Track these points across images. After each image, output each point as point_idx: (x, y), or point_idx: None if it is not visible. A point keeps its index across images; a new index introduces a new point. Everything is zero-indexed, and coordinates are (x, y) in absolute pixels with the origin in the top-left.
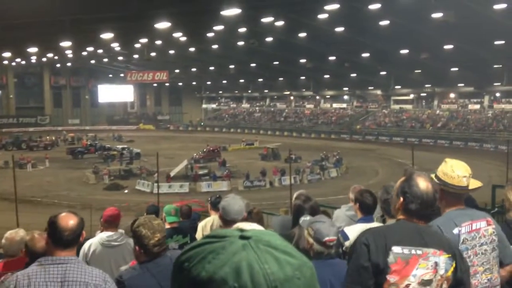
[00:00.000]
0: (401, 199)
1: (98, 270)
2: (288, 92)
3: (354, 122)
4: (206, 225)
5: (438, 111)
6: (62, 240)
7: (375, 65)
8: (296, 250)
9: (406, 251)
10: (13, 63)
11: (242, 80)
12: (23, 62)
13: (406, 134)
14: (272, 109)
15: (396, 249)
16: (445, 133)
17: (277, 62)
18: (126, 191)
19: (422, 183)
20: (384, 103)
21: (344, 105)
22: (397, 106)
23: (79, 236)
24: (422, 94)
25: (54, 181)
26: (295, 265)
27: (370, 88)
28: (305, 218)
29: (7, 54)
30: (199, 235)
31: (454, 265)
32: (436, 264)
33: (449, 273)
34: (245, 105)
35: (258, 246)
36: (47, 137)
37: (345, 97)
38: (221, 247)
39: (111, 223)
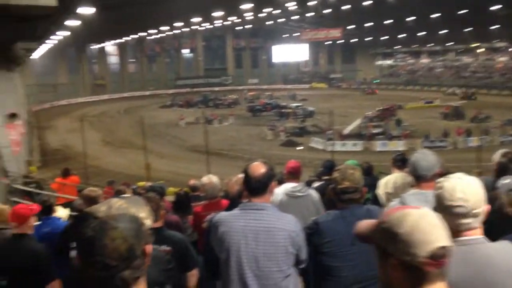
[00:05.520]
0: None
1: (292, 216)
2: (476, 44)
3: None
4: (388, 182)
5: None
6: (250, 187)
7: None
8: None
9: None
10: (201, 28)
11: (421, 33)
12: (210, 27)
13: None
14: (457, 63)
15: None
16: None
17: (464, 11)
18: (300, 148)
19: None
20: None
21: None
22: None
23: (265, 185)
24: None
25: (237, 136)
26: None
27: None
28: (504, 181)
29: (197, 20)
30: (380, 191)
31: None
32: None
33: None
34: (425, 60)
35: None
36: (230, 96)
37: None
38: None
39: (293, 174)
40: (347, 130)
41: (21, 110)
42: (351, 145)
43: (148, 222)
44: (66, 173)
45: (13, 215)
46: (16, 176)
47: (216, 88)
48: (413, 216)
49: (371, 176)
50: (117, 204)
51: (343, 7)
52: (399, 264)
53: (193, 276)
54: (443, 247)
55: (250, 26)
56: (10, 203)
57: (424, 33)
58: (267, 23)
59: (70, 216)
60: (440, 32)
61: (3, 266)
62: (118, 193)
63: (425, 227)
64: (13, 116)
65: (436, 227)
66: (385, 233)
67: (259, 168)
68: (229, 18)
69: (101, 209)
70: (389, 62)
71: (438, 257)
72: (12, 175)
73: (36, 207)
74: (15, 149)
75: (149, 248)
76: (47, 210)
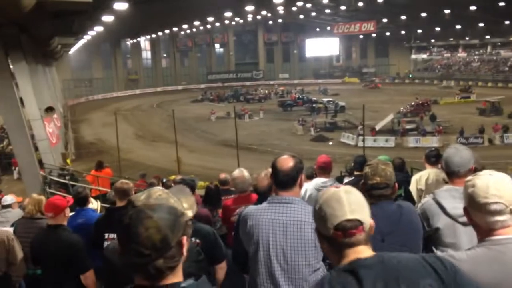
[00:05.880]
0: None
1: None
2: None
3: None
4: (421, 178)
5: None
6: (277, 181)
7: None
8: None
9: None
10: (233, 23)
11: (458, 26)
12: (241, 21)
13: None
14: (495, 57)
15: None
16: None
17: (502, 3)
18: (330, 143)
19: None
20: None
21: None
22: None
23: (294, 179)
24: None
25: (267, 131)
26: None
27: None
28: None
29: (228, 14)
30: (412, 188)
31: None
32: None
33: None
34: (461, 54)
35: None
36: (261, 91)
37: None
38: None
39: (324, 169)
40: (379, 125)
41: (57, 104)
42: (383, 141)
43: (190, 213)
44: (99, 166)
45: (49, 206)
46: (52, 168)
47: (247, 83)
48: (326, 194)
49: (403, 172)
50: (157, 194)
51: (377, 0)
52: (322, 236)
53: (222, 269)
54: (349, 220)
55: (282, 20)
56: (46, 194)
57: (461, 26)
58: (299, 16)
59: (104, 208)
60: (477, 25)
61: (38, 255)
62: (150, 186)
63: (332, 203)
64: (50, 109)
65: (343, 203)
66: (313, 212)
67: (287, 162)
68: (260, 13)
69: (140, 198)
70: (423, 56)
71: (346, 229)
72: (48, 167)
73: (71, 199)
74: (53, 141)
75: (186, 239)
76: (82, 201)
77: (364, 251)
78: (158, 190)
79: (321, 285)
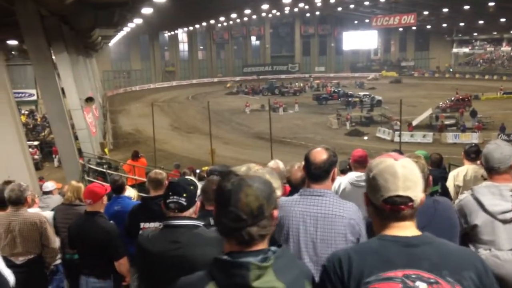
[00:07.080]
0: None
1: (352, 204)
2: None
3: None
4: (459, 174)
5: None
6: (310, 173)
7: None
8: None
9: None
10: (270, 15)
11: (503, 19)
12: (278, 14)
13: None
14: None
15: None
16: None
17: None
18: (366, 137)
19: None
20: None
21: None
22: None
23: (327, 172)
24: None
25: (301, 124)
26: None
27: None
28: None
29: (265, 7)
30: (450, 184)
31: None
32: None
33: None
34: (505, 48)
35: None
36: (296, 84)
37: None
38: None
39: (360, 163)
40: (417, 120)
41: (97, 95)
42: (420, 136)
43: (278, 193)
44: (135, 156)
45: (88, 193)
46: (91, 157)
47: (283, 76)
48: (382, 164)
49: (440, 168)
50: (255, 168)
51: None
52: (369, 200)
53: None
54: (399, 196)
55: (319, 12)
56: (85, 182)
57: (506, 19)
58: (337, 9)
59: (139, 196)
60: None
61: (75, 240)
62: (183, 176)
63: (387, 176)
64: (90, 100)
65: (398, 177)
66: (365, 173)
67: (320, 154)
68: (298, 5)
69: (241, 169)
70: (465, 49)
71: (395, 204)
72: (87, 156)
73: (109, 186)
74: (93, 131)
75: (277, 213)
76: (118, 189)
77: (408, 227)
78: (255, 166)
79: (367, 251)
